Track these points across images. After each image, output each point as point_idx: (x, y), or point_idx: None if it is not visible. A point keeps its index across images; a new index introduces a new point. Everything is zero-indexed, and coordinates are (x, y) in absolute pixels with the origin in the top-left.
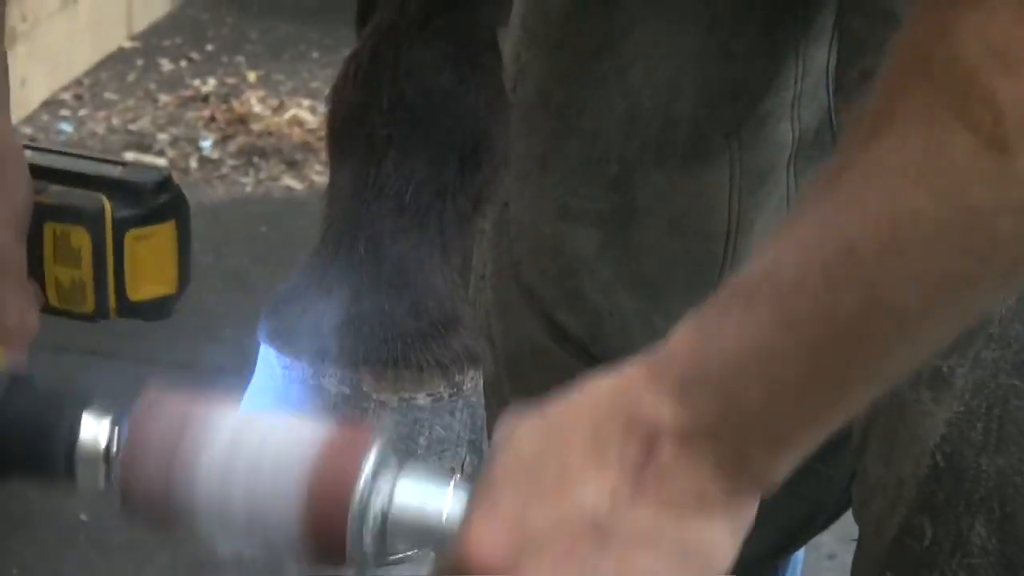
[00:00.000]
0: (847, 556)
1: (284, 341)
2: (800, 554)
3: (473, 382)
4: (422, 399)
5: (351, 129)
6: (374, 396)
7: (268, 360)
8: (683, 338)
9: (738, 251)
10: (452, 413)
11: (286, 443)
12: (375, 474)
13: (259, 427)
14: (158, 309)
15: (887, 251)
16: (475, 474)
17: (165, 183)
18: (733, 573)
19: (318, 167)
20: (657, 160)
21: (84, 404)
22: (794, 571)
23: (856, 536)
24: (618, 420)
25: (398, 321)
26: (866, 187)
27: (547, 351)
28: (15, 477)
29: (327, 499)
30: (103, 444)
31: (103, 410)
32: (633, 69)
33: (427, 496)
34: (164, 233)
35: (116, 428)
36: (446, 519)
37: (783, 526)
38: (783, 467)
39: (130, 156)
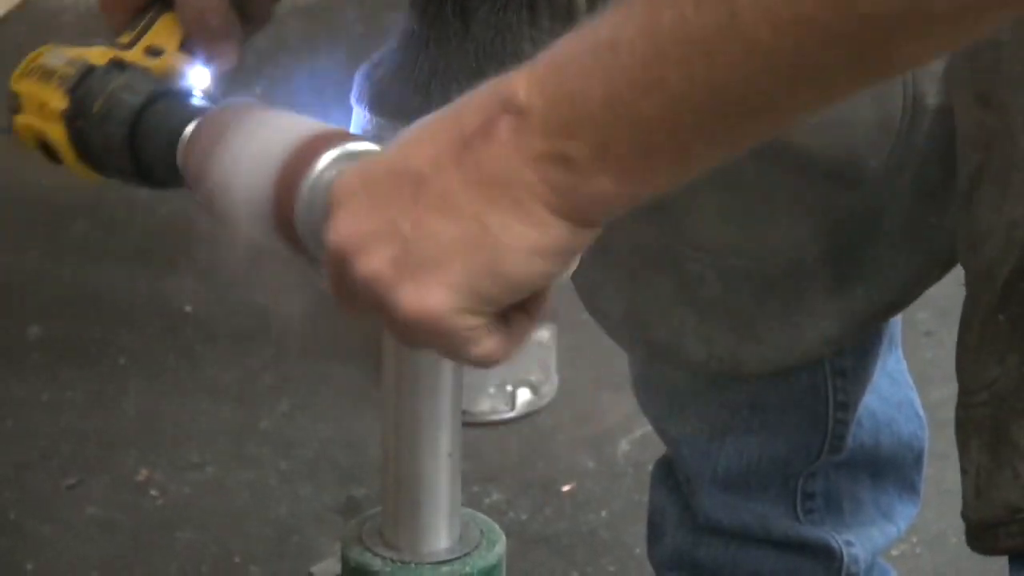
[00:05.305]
0: (943, 333)
1: (374, 101)
2: (898, 331)
3: None
4: None
5: None
6: None
7: (361, 122)
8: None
9: None
10: None
11: (279, 136)
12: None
13: (270, 123)
14: None
15: None
16: None
17: None
18: (850, 332)
19: None
20: None
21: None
22: (893, 339)
23: (952, 312)
24: (481, 93)
25: (487, 79)
26: None
27: None
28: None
29: (286, 184)
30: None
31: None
32: None
33: None
34: None
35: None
36: None
37: (900, 279)
38: (605, 200)
39: None
